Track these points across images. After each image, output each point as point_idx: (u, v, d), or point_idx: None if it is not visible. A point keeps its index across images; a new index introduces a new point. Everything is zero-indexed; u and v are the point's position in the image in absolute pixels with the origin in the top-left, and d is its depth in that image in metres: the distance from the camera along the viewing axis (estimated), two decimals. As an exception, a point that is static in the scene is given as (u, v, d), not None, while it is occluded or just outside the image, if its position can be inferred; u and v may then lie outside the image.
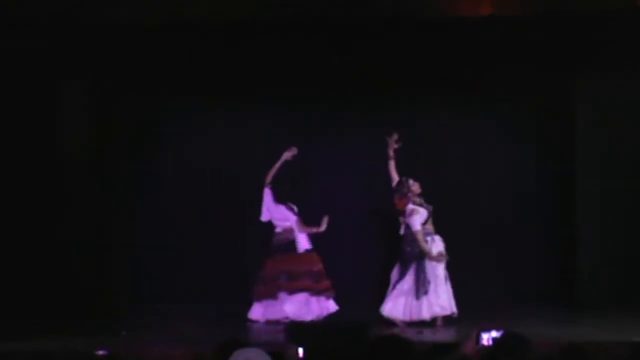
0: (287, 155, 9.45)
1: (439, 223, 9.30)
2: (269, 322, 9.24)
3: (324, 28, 9.22)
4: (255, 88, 10.64)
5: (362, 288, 10.35)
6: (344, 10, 8.72)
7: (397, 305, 9.03)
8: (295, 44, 9.83)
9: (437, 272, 8.99)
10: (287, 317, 9.19)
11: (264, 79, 10.50)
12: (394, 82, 10.47)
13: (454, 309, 9.00)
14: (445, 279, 9.02)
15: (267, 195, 9.48)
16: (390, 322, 8.94)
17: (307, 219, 9.57)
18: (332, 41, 9.83)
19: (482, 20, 8.73)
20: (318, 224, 9.43)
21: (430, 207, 9.14)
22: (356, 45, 9.90)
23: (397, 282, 9.09)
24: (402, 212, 9.15)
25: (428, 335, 8.44)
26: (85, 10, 8.61)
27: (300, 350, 4.89)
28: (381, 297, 9.26)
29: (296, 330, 7.59)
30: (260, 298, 9.37)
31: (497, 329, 4.65)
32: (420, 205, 9.11)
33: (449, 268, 9.12)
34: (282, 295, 9.30)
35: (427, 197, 9.22)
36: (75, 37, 9.34)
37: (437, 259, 8.96)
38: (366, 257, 10.61)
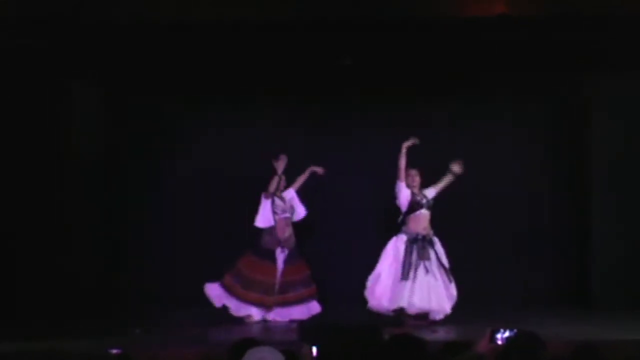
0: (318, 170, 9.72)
1: (455, 223, 9.34)
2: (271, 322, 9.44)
3: (335, 28, 9.20)
4: (266, 89, 10.66)
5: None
6: (360, 11, 8.71)
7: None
8: (304, 44, 9.81)
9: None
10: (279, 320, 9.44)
11: (274, 80, 10.51)
12: (404, 84, 10.47)
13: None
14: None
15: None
16: (401, 321, 8.99)
17: (310, 219, 9.88)
18: (343, 42, 9.81)
19: (495, 20, 8.70)
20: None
21: None
22: (368, 46, 9.87)
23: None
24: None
25: (442, 334, 8.44)
26: (93, 10, 8.63)
27: (315, 350, 4.88)
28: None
29: (310, 329, 7.59)
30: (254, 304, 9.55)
31: (511, 329, 4.63)
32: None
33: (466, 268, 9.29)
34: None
35: (443, 198, 9.33)
36: (84, 37, 9.33)
37: None
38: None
